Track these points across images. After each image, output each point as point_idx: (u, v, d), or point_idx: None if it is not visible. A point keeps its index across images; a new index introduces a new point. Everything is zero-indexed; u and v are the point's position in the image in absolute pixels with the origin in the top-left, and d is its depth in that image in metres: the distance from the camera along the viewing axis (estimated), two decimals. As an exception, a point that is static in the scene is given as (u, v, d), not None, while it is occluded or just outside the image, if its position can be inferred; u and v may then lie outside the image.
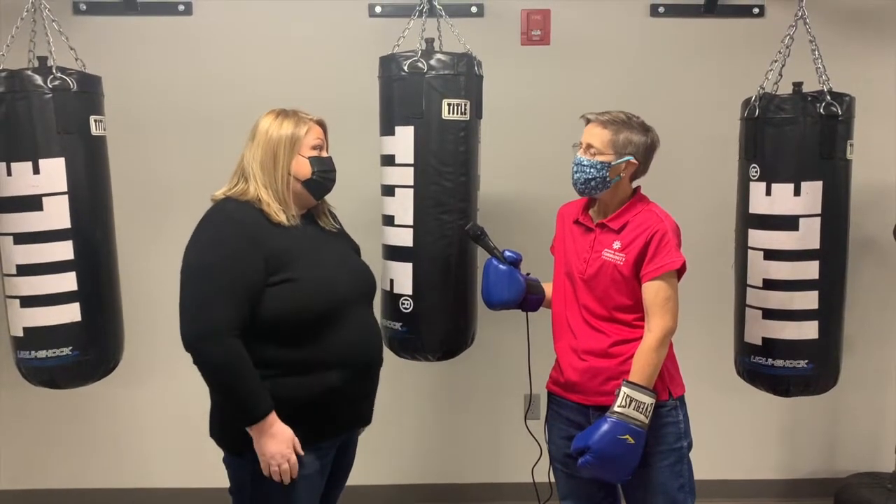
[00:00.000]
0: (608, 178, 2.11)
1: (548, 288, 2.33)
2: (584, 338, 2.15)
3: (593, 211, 2.22)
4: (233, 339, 1.80)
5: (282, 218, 1.91)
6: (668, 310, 2.07)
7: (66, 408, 3.28)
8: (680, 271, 2.10)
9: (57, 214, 2.36)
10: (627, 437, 1.99)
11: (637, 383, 2.03)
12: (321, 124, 2.04)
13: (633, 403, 2.00)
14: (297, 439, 1.86)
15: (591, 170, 2.11)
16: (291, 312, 1.86)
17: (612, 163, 2.10)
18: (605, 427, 2.00)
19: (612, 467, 2.04)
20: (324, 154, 2.02)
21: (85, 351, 2.40)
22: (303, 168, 1.96)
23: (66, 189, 2.36)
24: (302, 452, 1.86)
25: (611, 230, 2.14)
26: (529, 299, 2.31)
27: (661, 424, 2.11)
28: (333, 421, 1.94)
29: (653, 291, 2.07)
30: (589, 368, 2.14)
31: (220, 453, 1.98)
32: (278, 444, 1.83)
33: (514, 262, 2.27)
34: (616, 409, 2.01)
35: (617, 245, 2.11)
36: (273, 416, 1.83)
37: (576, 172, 2.14)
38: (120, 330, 2.57)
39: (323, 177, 1.99)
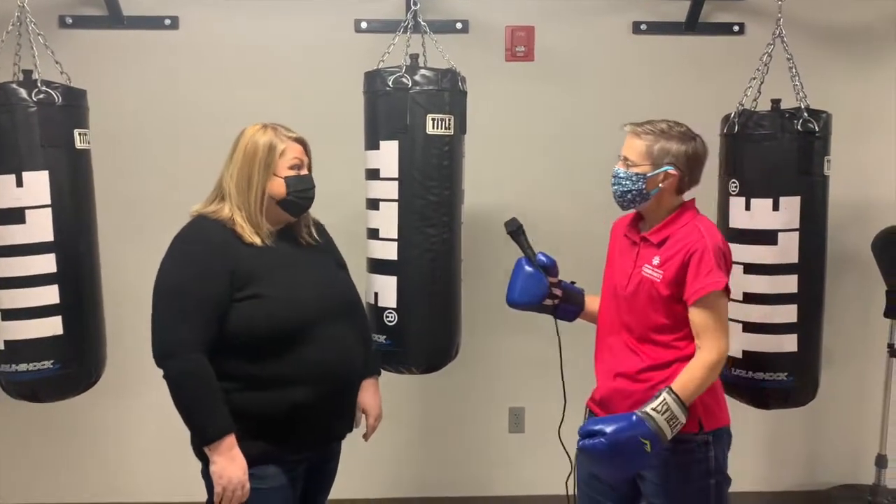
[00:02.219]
0: (645, 191, 2.02)
1: (591, 301, 2.27)
2: (621, 359, 2.08)
3: (642, 224, 2.14)
4: (197, 356, 1.82)
5: (255, 239, 1.92)
6: (722, 331, 1.95)
7: (49, 421, 3.25)
8: (726, 291, 1.98)
9: (40, 227, 2.35)
10: (648, 443, 1.86)
11: (679, 397, 1.89)
12: (301, 142, 2.02)
13: (668, 414, 1.87)
14: (246, 471, 1.84)
15: (627, 182, 2.03)
16: (255, 329, 1.87)
17: (648, 174, 2.01)
18: (632, 419, 1.87)
19: (615, 463, 1.91)
20: (303, 172, 2.00)
21: (67, 364, 2.40)
22: (278, 188, 1.95)
23: (49, 202, 2.36)
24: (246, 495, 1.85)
25: (651, 244, 2.05)
26: (562, 308, 2.23)
27: (689, 461, 2.01)
28: (298, 437, 1.92)
29: (703, 316, 1.94)
30: (620, 390, 2.06)
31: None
32: (236, 469, 1.83)
33: (545, 266, 2.18)
34: (649, 409, 1.88)
35: (656, 261, 2.01)
36: (232, 440, 1.83)
37: (613, 185, 2.07)
38: (102, 343, 2.56)
39: (299, 196, 1.98)
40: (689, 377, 1.92)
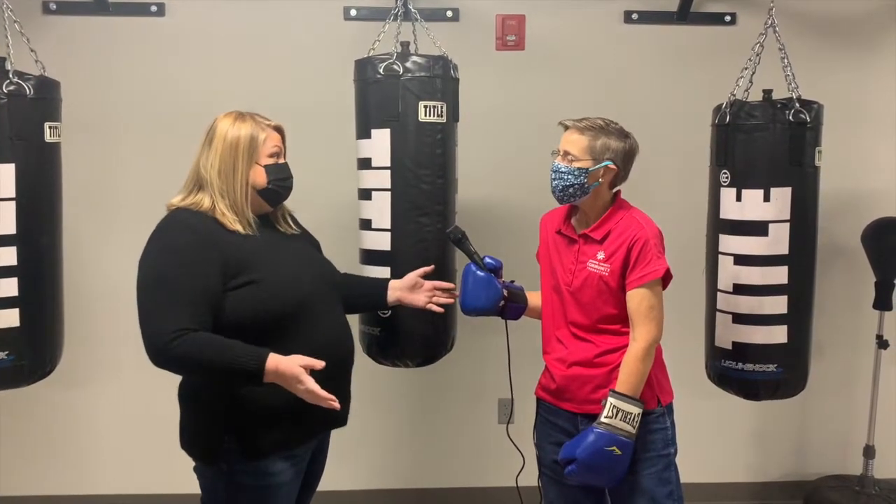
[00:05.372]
0: (586, 185, 2.08)
1: (532, 297, 2.31)
2: (573, 349, 2.15)
3: (575, 220, 2.19)
4: (188, 335, 1.73)
5: (237, 227, 1.88)
6: (653, 318, 2.05)
7: (14, 414, 3.21)
8: (665, 279, 2.08)
9: (2, 220, 2.32)
10: (614, 448, 1.98)
11: (624, 393, 2.01)
12: (279, 130, 2.00)
13: (620, 414, 1.99)
14: (302, 357, 1.78)
15: (569, 176, 2.08)
16: (257, 314, 1.83)
17: (590, 169, 2.07)
18: (591, 438, 2.00)
19: (599, 476, 2.04)
20: (281, 161, 1.98)
21: (20, 356, 2.38)
22: (259, 177, 1.93)
23: (13, 195, 2.33)
24: (317, 362, 1.78)
25: (594, 241, 2.12)
26: (510, 307, 2.28)
27: (649, 431, 2.10)
28: (309, 424, 1.91)
29: (636, 300, 2.05)
30: (578, 376, 2.13)
31: (180, 458, 1.95)
32: (289, 382, 1.77)
33: (494, 269, 2.23)
34: (603, 419, 2.00)
35: (601, 255, 2.09)
36: (272, 361, 1.75)
37: (554, 180, 2.11)
38: (59, 336, 2.54)
39: (279, 185, 1.97)
40: (628, 372, 2.04)
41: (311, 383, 1.77)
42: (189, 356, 1.75)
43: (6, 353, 2.36)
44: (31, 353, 2.42)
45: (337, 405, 1.80)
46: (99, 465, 3.33)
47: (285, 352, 1.84)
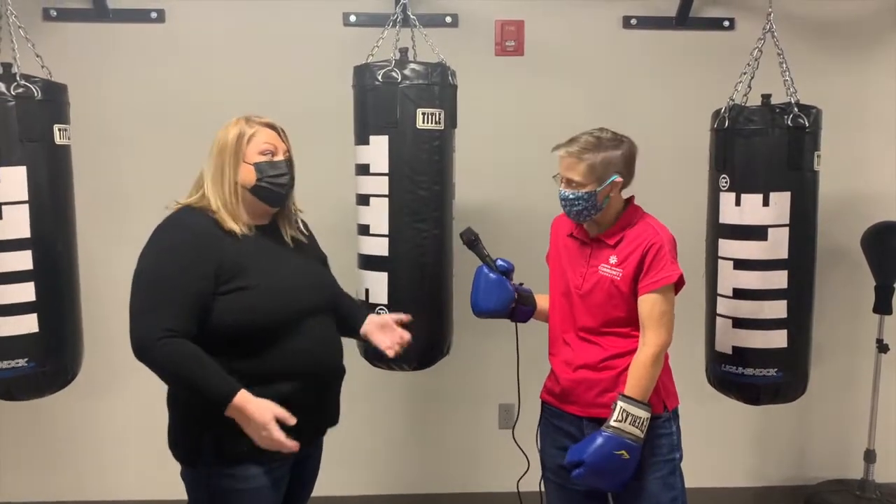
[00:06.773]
0: (598, 204, 2.08)
1: (540, 299, 2.31)
2: (580, 351, 2.15)
3: (588, 224, 2.18)
4: (176, 340, 1.76)
5: (233, 226, 1.88)
6: (664, 324, 2.05)
7: (27, 419, 3.22)
8: (677, 284, 2.08)
9: (16, 223, 2.31)
10: (623, 452, 1.98)
11: (633, 397, 2.01)
12: (272, 127, 1.97)
13: (630, 418, 1.99)
14: (276, 407, 1.78)
15: (579, 202, 2.07)
16: (243, 321, 1.83)
17: (598, 190, 2.06)
18: (599, 441, 1.99)
19: (606, 480, 2.04)
20: (276, 158, 1.95)
21: (42, 363, 2.36)
22: (247, 175, 1.91)
23: (26, 198, 2.32)
24: (290, 417, 1.78)
25: (606, 245, 2.11)
26: (519, 310, 2.27)
27: (655, 436, 2.09)
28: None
29: (649, 305, 2.05)
30: (584, 379, 2.13)
31: None
32: (254, 426, 1.78)
33: (506, 272, 2.23)
34: (612, 423, 1.99)
35: (613, 260, 2.09)
36: (242, 398, 1.77)
37: (564, 206, 2.11)
38: (79, 341, 2.53)
39: (270, 182, 1.93)
40: (637, 376, 2.03)
41: (278, 434, 1.77)
42: (169, 361, 1.78)
43: (26, 359, 2.33)
44: (53, 359, 2.39)
45: (296, 448, 1.80)
46: (112, 470, 3.33)
47: (267, 358, 1.86)
